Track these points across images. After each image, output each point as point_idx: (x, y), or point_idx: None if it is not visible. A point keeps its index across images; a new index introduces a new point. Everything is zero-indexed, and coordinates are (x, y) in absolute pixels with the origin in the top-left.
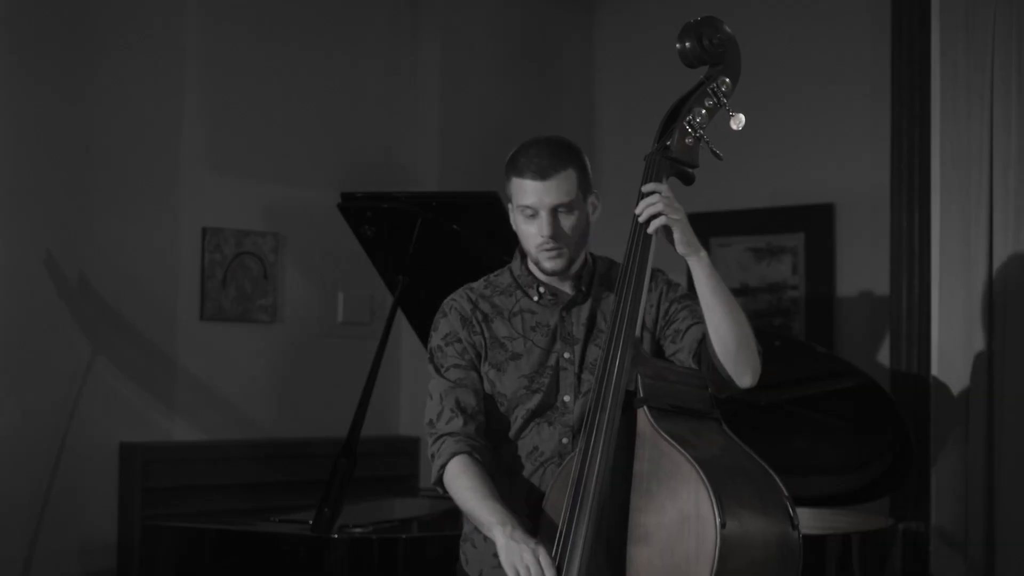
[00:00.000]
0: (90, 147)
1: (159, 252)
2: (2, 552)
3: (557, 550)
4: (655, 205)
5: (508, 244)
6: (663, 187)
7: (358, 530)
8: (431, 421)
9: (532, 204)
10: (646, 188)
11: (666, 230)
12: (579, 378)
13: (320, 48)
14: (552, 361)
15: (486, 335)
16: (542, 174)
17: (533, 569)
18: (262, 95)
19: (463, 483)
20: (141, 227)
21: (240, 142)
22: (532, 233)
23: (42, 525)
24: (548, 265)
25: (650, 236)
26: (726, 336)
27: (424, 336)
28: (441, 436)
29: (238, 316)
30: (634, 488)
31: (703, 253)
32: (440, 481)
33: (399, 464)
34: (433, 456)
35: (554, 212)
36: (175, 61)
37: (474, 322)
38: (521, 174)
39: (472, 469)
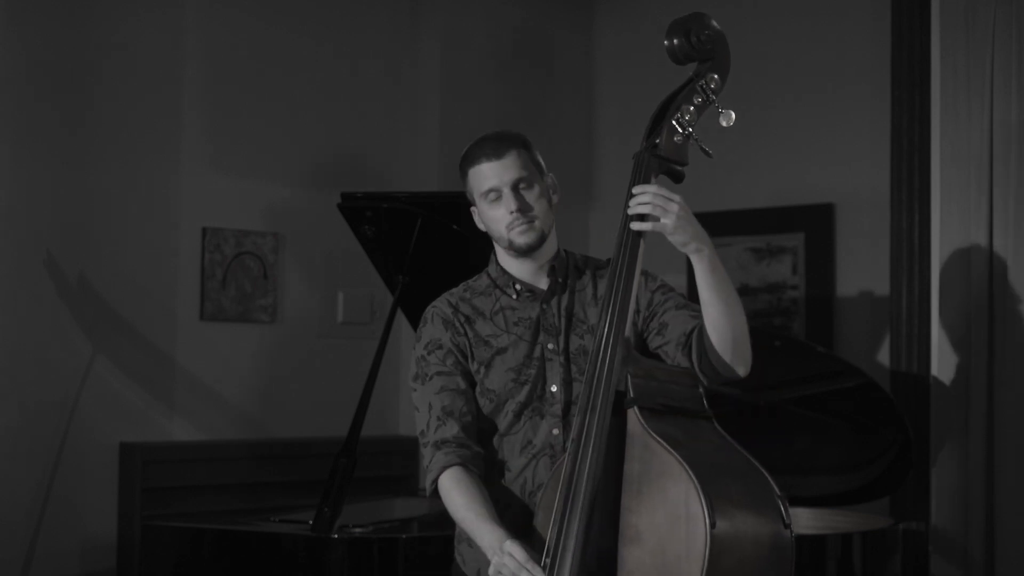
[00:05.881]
0: (90, 147)
1: (159, 252)
2: (2, 552)
3: (549, 551)
4: (644, 205)
5: None
6: (652, 187)
7: (358, 530)
8: (422, 432)
9: (494, 185)
10: (636, 190)
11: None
12: (564, 366)
13: (320, 48)
14: (538, 352)
15: (469, 335)
16: (497, 154)
17: None
18: (262, 95)
19: (457, 499)
20: (141, 227)
21: (240, 142)
22: (500, 215)
23: (42, 525)
24: (522, 240)
25: (639, 236)
26: (724, 332)
27: None
28: (432, 446)
29: (238, 316)
30: (625, 489)
31: (705, 249)
32: (435, 493)
33: (399, 464)
34: (427, 468)
35: (516, 187)
36: (175, 61)
37: (456, 324)
38: (476, 162)
39: (464, 483)
